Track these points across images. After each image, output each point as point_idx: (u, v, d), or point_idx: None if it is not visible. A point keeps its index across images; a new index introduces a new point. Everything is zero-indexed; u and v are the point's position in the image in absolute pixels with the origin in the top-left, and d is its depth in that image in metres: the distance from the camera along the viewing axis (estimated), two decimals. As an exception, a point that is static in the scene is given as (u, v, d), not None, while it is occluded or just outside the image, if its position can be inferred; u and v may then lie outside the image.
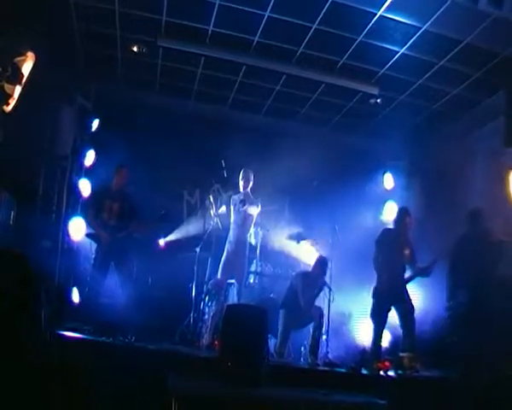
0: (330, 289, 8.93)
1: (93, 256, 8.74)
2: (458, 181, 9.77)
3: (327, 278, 9.10)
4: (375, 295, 8.60)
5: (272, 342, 8.65)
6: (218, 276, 8.89)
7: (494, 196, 8.72)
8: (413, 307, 8.52)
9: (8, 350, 4.38)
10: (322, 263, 9.02)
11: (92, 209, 8.85)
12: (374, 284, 8.66)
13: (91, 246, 9.10)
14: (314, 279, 8.93)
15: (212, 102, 11.54)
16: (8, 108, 7.40)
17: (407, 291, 8.61)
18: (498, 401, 6.74)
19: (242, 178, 9.08)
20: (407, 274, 8.66)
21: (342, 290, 9.47)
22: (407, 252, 8.68)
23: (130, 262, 8.90)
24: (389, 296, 8.47)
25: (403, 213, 9.10)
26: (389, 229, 9.16)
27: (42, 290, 5.21)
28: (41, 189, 9.08)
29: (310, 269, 9.19)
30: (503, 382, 6.92)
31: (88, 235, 9.07)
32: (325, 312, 8.89)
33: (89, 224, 9.01)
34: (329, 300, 9.02)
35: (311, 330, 8.69)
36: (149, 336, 8.01)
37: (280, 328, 8.70)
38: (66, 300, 8.67)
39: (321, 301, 9.11)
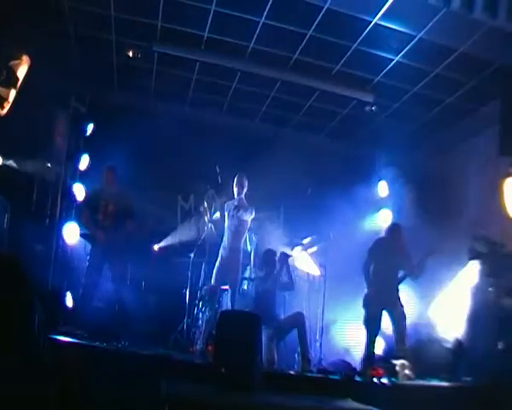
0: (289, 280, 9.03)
1: (87, 258, 8.71)
2: (453, 189, 9.81)
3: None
4: (366, 303, 8.62)
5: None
6: (212, 282, 8.85)
7: (489, 204, 8.75)
8: (404, 313, 8.54)
9: (1, 355, 4.36)
10: (266, 257, 9.02)
11: (87, 210, 8.83)
12: (365, 292, 8.68)
13: (85, 249, 9.07)
14: (267, 277, 8.93)
15: (207, 108, 11.54)
16: (3, 112, 7.40)
17: (399, 297, 8.63)
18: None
19: (237, 183, 9.05)
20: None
21: (337, 297, 9.49)
22: (401, 257, 8.71)
23: (125, 265, 8.87)
24: (381, 303, 8.50)
25: (393, 228, 9.16)
26: (382, 238, 9.21)
27: (35, 295, 5.19)
28: (35, 193, 9.07)
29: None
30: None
31: (82, 235, 9.05)
32: (318, 319, 8.90)
33: (83, 225, 8.99)
34: (323, 307, 9.04)
35: (297, 337, 8.66)
36: (143, 341, 8.00)
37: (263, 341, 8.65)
38: (60, 304, 8.64)
39: (314, 309, 9.12)
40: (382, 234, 9.42)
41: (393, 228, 9.19)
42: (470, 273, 9.03)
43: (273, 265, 8.97)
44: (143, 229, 9.04)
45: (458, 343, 8.61)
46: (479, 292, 8.64)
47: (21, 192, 8.77)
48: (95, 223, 8.67)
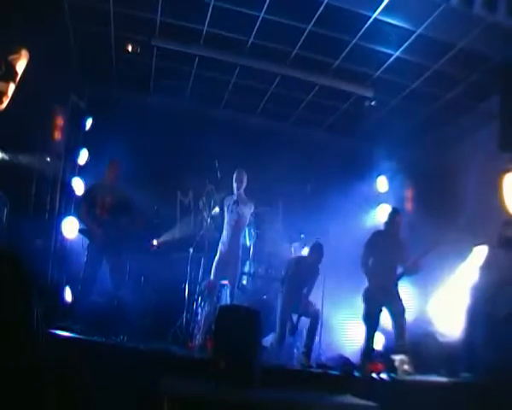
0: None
1: (85, 253, 8.70)
2: (453, 185, 9.80)
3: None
4: (365, 298, 8.62)
5: (270, 338, 8.69)
6: (211, 277, 8.86)
7: (489, 199, 8.74)
8: (404, 308, 8.55)
9: (0, 349, 4.36)
10: (317, 249, 8.99)
11: (84, 205, 8.82)
12: (364, 287, 8.68)
13: (83, 243, 9.07)
14: (308, 265, 8.94)
15: (206, 103, 11.53)
16: (2, 107, 7.37)
17: (398, 292, 8.64)
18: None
19: (236, 179, 9.04)
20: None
21: (336, 292, 9.49)
22: (399, 252, 8.71)
23: (123, 260, 8.86)
24: (380, 298, 8.49)
25: (393, 213, 9.14)
26: (379, 231, 9.21)
27: (34, 289, 5.18)
28: (34, 187, 9.05)
29: (305, 255, 9.19)
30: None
31: (80, 231, 9.04)
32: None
33: (81, 220, 8.98)
34: (322, 302, 9.06)
35: (305, 332, 8.69)
36: (141, 336, 8.00)
37: (278, 309, 8.75)
38: (59, 299, 8.65)
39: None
40: (381, 226, 9.41)
41: (393, 212, 9.18)
42: (470, 268, 9.04)
43: (319, 259, 8.99)
44: (142, 224, 9.00)
45: (457, 339, 8.63)
46: (480, 287, 8.65)
47: (20, 187, 8.75)
48: (92, 218, 8.67)
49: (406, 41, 8.62)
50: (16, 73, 7.38)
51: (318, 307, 8.90)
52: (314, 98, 10.86)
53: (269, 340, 8.68)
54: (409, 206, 11.12)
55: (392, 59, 9.16)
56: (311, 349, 8.55)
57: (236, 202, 8.87)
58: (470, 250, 9.20)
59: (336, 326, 10.27)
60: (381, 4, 7.82)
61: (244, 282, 9.79)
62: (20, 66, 7.51)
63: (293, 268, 8.93)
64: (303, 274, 8.89)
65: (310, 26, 8.56)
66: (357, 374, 7.68)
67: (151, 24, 8.87)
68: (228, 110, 11.71)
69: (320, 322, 8.83)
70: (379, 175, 11.76)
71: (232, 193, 9.05)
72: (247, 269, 9.88)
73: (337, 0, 7.87)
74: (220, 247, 8.93)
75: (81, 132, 10.29)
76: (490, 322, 7.92)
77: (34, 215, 8.77)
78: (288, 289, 8.79)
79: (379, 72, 9.62)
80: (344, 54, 9.23)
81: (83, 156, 10.16)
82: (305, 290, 8.94)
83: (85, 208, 8.78)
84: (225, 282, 8.98)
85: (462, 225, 8.99)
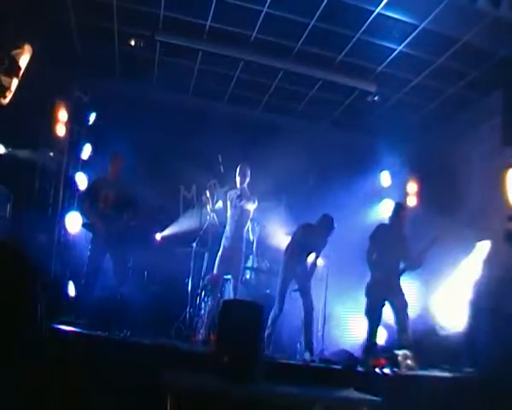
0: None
1: (89, 248, 8.70)
2: (456, 179, 9.79)
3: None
4: (368, 292, 8.62)
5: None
6: (215, 271, 8.87)
7: (492, 194, 8.73)
8: (406, 302, 8.55)
9: (4, 344, 4.37)
10: (327, 219, 8.87)
11: (87, 199, 8.82)
12: (367, 281, 8.68)
13: (86, 237, 9.06)
14: (315, 232, 8.84)
15: (210, 98, 11.53)
16: (5, 101, 7.39)
17: (401, 286, 8.64)
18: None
19: (239, 173, 9.04)
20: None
21: (339, 287, 9.49)
22: (402, 247, 8.71)
23: (126, 254, 8.87)
24: (383, 292, 8.50)
25: (398, 208, 9.15)
26: (384, 224, 9.21)
27: (38, 284, 5.20)
28: (37, 182, 9.07)
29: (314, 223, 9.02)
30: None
31: (84, 225, 9.04)
32: (320, 308, 8.93)
33: (84, 214, 8.98)
34: (325, 296, 9.06)
35: (303, 325, 8.66)
36: (145, 330, 8.00)
37: (280, 275, 8.73)
38: (62, 293, 8.65)
39: (317, 298, 9.12)
40: (385, 220, 9.40)
41: (398, 207, 9.19)
42: (473, 263, 9.03)
43: (328, 230, 8.86)
44: (145, 218, 9.01)
45: (460, 334, 8.63)
46: (483, 282, 8.65)
47: (23, 182, 8.77)
48: (95, 212, 8.67)
49: (409, 35, 8.61)
50: (19, 68, 7.41)
51: (314, 302, 8.87)
52: (317, 93, 10.85)
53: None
54: (411, 201, 11.09)
55: (395, 53, 9.16)
56: (311, 343, 8.52)
57: (240, 197, 8.87)
58: (473, 245, 9.18)
59: (339, 321, 10.28)
60: (384, -2, 7.83)
61: (247, 276, 9.80)
62: (23, 61, 7.53)
63: (301, 232, 8.85)
64: (309, 240, 8.79)
65: (313, 21, 8.55)
66: (360, 369, 7.67)
67: (154, 18, 8.87)
68: (231, 105, 11.71)
69: (314, 317, 8.78)
70: (382, 170, 11.74)
71: (235, 187, 9.05)
72: (250, 264, 9.88)
73: (340, -6, 7.89)
74: (223, 241, 8.94)
75: (84, 127, 10.28)
76: (493, 317, 7.92)
77: (37, 210, 8.80)
78: (291, 253, 8.70)
79: (382, 66, 9.61)
80: (347, 48, 9.23)
81: (86, 151, 10.15)
82: (298, 251, 8.88)
83: (88, 203, 8.77)
84: (229, 276, 8.99)
85: (465, 220, 9.00)
